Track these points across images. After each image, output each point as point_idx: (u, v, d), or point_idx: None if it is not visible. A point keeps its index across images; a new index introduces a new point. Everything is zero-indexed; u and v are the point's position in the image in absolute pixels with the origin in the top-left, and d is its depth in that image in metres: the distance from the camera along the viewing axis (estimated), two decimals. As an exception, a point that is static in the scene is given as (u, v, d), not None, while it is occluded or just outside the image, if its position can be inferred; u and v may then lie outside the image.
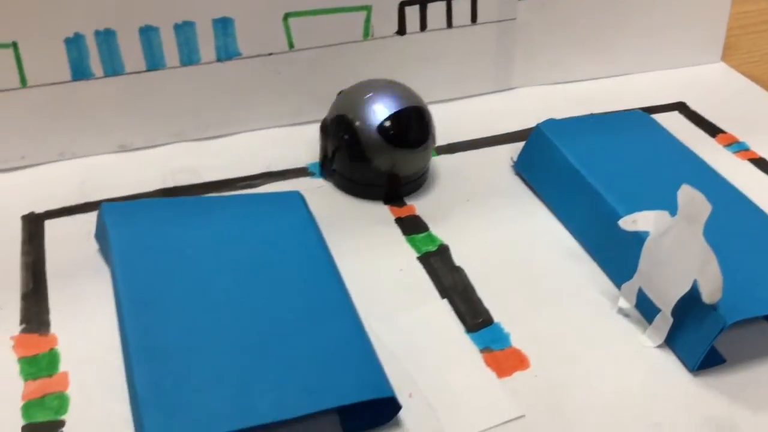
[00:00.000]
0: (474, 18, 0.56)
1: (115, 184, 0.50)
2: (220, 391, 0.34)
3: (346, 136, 0.48)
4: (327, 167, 0.50)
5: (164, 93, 0.52)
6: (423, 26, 0.55)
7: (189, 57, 0.51)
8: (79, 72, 0.49)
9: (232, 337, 0.37)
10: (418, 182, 0.50)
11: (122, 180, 0.50)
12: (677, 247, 0.38)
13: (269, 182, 0.51)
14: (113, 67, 0.50)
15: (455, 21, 0.56)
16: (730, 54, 0.67)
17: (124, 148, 0.53)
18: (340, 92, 0.50)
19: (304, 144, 0.54)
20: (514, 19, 0.57)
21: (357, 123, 0.47)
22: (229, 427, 0.33)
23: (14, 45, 0.47)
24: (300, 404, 0.34)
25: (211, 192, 0.50)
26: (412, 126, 0.48)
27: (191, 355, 0.35)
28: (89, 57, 0.49)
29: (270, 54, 0.53)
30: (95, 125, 0.51)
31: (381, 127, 0.47)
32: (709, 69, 0.65)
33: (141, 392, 0.33)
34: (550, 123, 0.51)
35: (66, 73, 0.49)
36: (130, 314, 0.37)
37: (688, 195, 0.37)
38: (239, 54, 0.52)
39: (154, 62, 0.50)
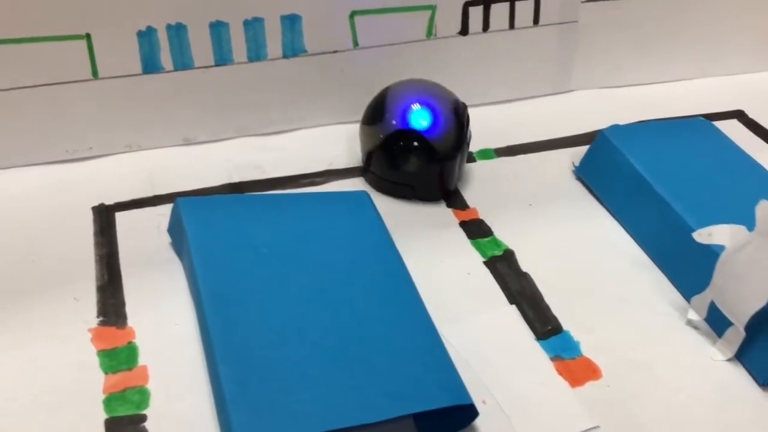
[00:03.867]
0: (536, 20, 0.56)
1: (182, 177, 0.51)
2: (303, 391, 0.35)
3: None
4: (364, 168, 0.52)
5: (230, 88, 0.52)
6: (486, 27, 0.55)
7: (256, 53, 0.51)
8: (150, 65, 0.50)
9: (311, 337, 0.37)
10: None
11: (188, 173, 0.51)
12: (754, 263, 0.38)
13: (332, 180, 0.51)
14: (183, 62, 0.50)
15: (518, 22, 0.56)
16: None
17: (188, 142, 0.53)
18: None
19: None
20: (576, 21, 0.57)
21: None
22: (314, 429, 0.33)
23: (88, 37, 0.48)
24: (382, 409, 0.34)
25: (276, 188, 0.50)
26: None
27: (274, 353, 0.36)
28: (160, 51, 0.49)
29: (335, 51, 0.53)
30: (161, 118, 0.52)
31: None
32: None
33: (227, 391, 0.34)
34: (615, 129, 0.51)
35: (137, 66, 0.49)
36: (211, 311, 0.38)
37: (766, 211, 0.37)
38: (305, 51, 0.52)
39: (223, 57, 0.51)
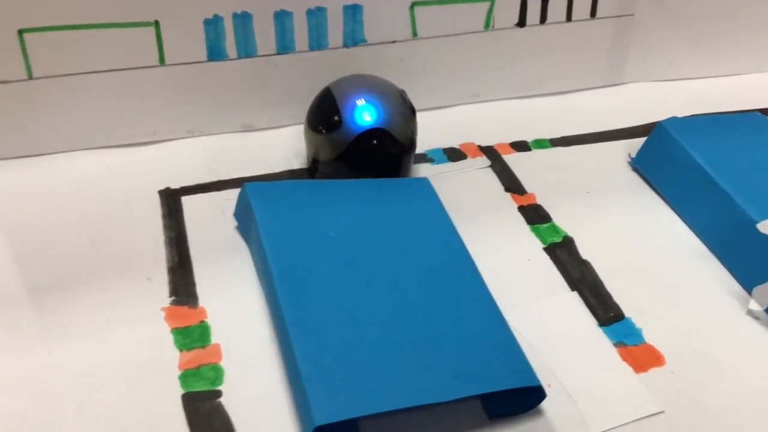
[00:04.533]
0: (593, 13, 0.57)
1: (243, 162, 0.52)
2: (375, 370, 0.35)
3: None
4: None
5: (291, 76, 0.53)
6: (543, 19, 0.56)
7: (318, 42, 0.52)
8: (215, 52, 0.51)
9: (380, 318, 0.38)
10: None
11: (248, 158, 0.52)
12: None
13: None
14: (246, 49, 0.51)
15: (575, 15, 0.56)
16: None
17: (248, 128, 0.54)
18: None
19: (422, 130, 0.55)
20: (632, 15, 0.57)
21: None
22: (388, 407, 0.34)
23: (156, 24, 0.49)
24: (451, 389, 0.35)
25: (336, 175, 0.51)
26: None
27: (345, 334, 0.37)
28: (225, 39, 0.50)
29: (394, 42, 0.54)
30: (223, 104, 0.53)
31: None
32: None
33: (303, 369, 0.35)
34: (673, 121, 0.51)
35: (202, 53, 0.50)
36: (283, 293, 0.39)
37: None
38: (365, 41, 0.53)
39: (285, 46, 0.52)
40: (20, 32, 0.46)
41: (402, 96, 0.49)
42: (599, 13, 0.57)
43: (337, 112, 0.47)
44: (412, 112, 0.49)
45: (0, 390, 0.36)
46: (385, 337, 0.37)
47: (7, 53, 0.47)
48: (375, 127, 0.47)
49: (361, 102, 0.47)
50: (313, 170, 0.49)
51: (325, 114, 0.48)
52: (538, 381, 0.36)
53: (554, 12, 0.56)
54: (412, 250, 0.42)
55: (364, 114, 0.47)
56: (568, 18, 0.56)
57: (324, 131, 0.47)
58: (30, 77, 0.48)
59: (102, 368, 0.38)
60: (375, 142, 0.47)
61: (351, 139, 0.46)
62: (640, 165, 0.52)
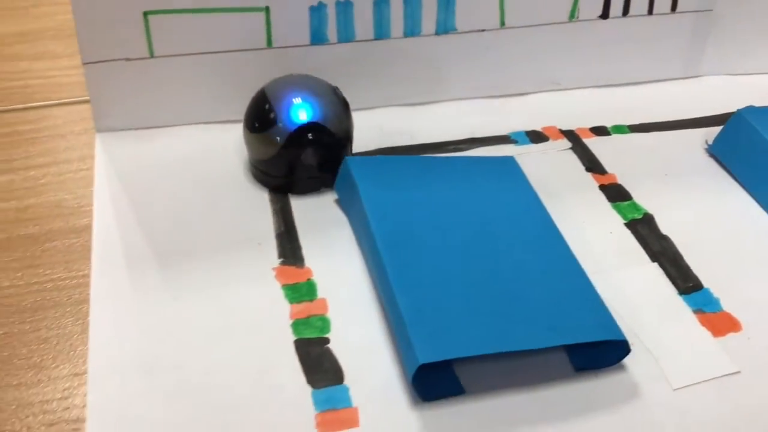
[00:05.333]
0: (674, 7, 0.59)
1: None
2: (472, 319, 0.39)
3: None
4: None
5: (385, 61, 0.57)
6: (625, 11, 0.58)
7: (412, 29, 0.56)
8: (317, 37, 0.54)
9: (475, 278, 0.41)
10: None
11: (344, 137, 0.56)
12: None
13: (475, 147, 0.55)
14: (346, 35, 0.55)
15: (656, 9, 0.59)
16: None
17: (342, 109, 0.58)
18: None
19: (506, 114, 0.58)
20: (711, 10, 0.60)
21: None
22: (485, 350, 0.38)
23: (266, 10, 0.53)
24: (544, 338, 0.38)
25: (425, 153, 0.55)
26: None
27: (443, 289, 0.40)
28: (327, 24, 0.54)
29: (482, 30, 0.57)
30: (320, 86, 0.57)
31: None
32: None
33: (406, 317, 0.38)
34: (751, 109, 0.53)
35: (306, 38, 0.54)
36: (386, 252, 0.42)
37: None
38: (455, 29, 0.57)
39: (381, 32, 0.55)
40: (145, 14, 0.51)
41: (335, 93, 0.50)
42: (679, 7, 0.59)
43: (272, 110, 0.48)
44: (346, 107, 0.50)
45: (132, 333, 0.41)
46: (480, 292, 0.40)
47: (133, 33, 0.51)
48: (311, 122, 0.48)
49: (297, 100, 0.48)
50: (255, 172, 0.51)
51: (260, 113, 0.49)
52: (623, 335, 0.39)
53: (637, 5, 0.58)
54: (502, 218, 0.45)
55: (299, 112, 0.48)
56: (650, 11, 0.59)
57: (259, 130, 0.49)
58: (151, 55, 0.52)
59: (222, 319, 0.42)
60: (311, 136, 0.48)
61: (287, 134, 0.48)
62: (717, 151, 0.54)
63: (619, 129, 0.57)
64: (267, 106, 0.49)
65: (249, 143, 0.50)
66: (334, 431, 0.37)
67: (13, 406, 0.38)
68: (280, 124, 0.48)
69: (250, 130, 0.50)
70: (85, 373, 0.39)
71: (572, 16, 0.58)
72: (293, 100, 0.48)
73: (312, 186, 0.50)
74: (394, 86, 0.58)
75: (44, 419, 0.37)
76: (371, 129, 0.57)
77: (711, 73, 0.63)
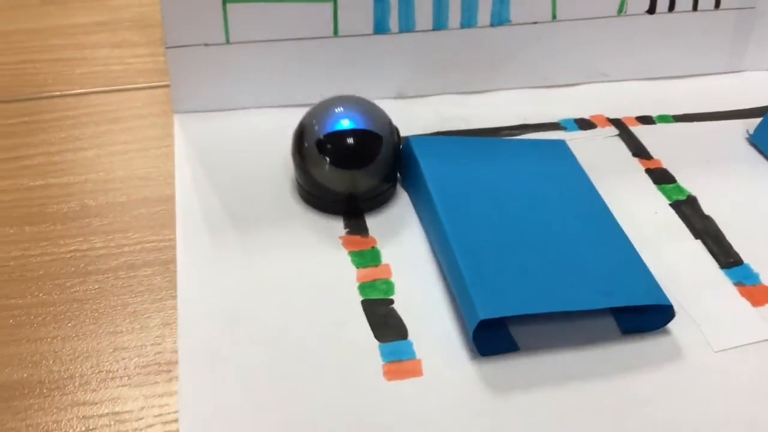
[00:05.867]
0: (717, 4, 0.62)
1: (398, 123, 0.59)
2: (529, 282, 0.42)
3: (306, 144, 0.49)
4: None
5: (441, 50, 0.60)
6: (671, 7, 0.61)
7: (468, 20, 0.59)
8: (380, 27, 0.58)
9: (530, 245, 0.45)
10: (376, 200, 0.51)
11: (402, 122, 0.59)
12: None
13: (526, 132, 0.59)
14: (407, 25, 0.59)
15: (700, 5, 0.62)
16: None
17: (400, 96, 0.62)
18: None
19: (555, 103, 0.61)
20: (754, 8, 0.62)
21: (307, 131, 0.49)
22: (540, 309, 0.41)
23: (334, 1, 0.57)
24: (595, 300, 0.42)
25: (480, 136, 0.58)
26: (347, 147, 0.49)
27: (501, 254, 0.44)
28: (390, 15, 0.58)
29: (534, 23, 0.60)
30: (379, 74, 0.60)
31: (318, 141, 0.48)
32: None
33: (467, 277, 0.42)
34: (791, 100, 0.56)
35: (369, 27, 0.58)
36: (447, 219, 0.46)
37: None
38: (509, 21, 0.60)
39: (440, 23, 0.59)
40: (224, 2, 0.55)
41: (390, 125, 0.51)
42: (723, 5, 0.62)
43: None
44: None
45: (214, 290, 0.45)
46: (535, 258, 0.44)
47: (211, 20, 0.56)
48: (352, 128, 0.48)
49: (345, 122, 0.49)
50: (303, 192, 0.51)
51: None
52: (668, 300, 0.42)
53: (682, 1, 0.61)
54: (555, 193, 0.49)
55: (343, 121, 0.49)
56: (695, 8, 0.62)
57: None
58: (227, 42, 0.57)
59: (294, 281, 0.46)
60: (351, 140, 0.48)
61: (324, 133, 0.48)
62: (757, 140, 0.57)
63: (664, 119, 0.60)
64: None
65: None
66: (400, 379, 0.41)
67: (111, 350, 0.42)
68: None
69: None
70: (174, 322, 0.43)
71: (620, 10, 0.61)
72: (342, 121, 0.49)
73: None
74: (450, 75, 0.61)
75: (139, 362, 0.41)
76: (429, 114, 0.60)
77: (753, 69, 0.66)
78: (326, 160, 0.48)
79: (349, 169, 0.49)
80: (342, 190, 0.49)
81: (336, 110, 0.49)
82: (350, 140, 0.49)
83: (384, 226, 0.50)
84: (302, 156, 0.49)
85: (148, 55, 0.66)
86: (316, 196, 0.50)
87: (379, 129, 0.49)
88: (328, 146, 0.48)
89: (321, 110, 0.50)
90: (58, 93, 0.62)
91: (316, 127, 0.49)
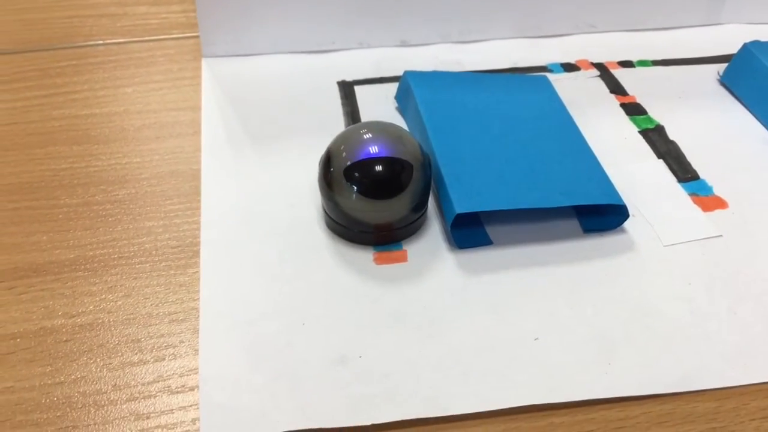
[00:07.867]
0: (696, -41, 0.68)
1: (401, 68, 0.65)
2: (501, 184, 0.48)
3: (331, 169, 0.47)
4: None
5: (442, 1, 0.67)
6: (652, -37, 0.67)
7: (466, -26, 0.66)
8: (386, -20, 0.65)
9: (506, 155, 0.51)
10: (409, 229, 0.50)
11: (405, 66, 0.66)
12: None
13: (516, 74, 0.65)
14: (409, -22, 0.65)
15: (680, -40, 0.68)
16: None
17: (404, 44, 0.68)
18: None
19: (545, 51, 0.67)
20: (731, -39, 0.68)
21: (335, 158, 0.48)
22: (510, 206, 0.47)
23: (344, -45, 0.64)
24: (559, 199, 0.48)
25: (474, 79, 0.65)
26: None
27: (479, 163, 0.50)
28: (394, -31, 0.65)
29: (526, -22, 0.67)
30: (386, 23, 0.67)
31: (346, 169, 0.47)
32: None
33: (447, 180, 0.48)
34: (756, 43, 0.62)
35: (377, -19, 0.65)
36: (433, 135, 0.52)
37: None
38: (503, -24, 0.67)
39: (440, -24, 0.66)
40: (248, -44, 0.63)
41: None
42: (701, -41, 0.68)
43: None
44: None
45: (232, 196, 0.52)
46: (509, 165, 0.50)
47: (235, -27, 0.63)
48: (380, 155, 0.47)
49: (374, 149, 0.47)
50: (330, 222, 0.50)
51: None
52: (622, 201, 0.48)
53: (662, -43, 0.67)
54: (532, 116, 0.55)
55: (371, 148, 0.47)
56: (674, -37, 0.68)
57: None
58: (249, -8, 0.64)
59: (308, 186, 0.53)
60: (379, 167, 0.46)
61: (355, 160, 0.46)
62: (726, 80, 0.63)
63: (643, 63, 0.66)
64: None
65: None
66: (388, 263, 0.47)
67: (143, 234, 0.49)
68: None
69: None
70: (198, 216, 0.50)
71: (605, -34, 0.67)
72: (370, 150, 0.47)
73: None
74: (445, 25, 0.68)
75: (169, 243, 0.49)
76: (428, 59, 0.67)
77: (731, 22, 0.71)
78: (354, 188, 0.47)
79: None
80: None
81: (365, 137, 0.48)
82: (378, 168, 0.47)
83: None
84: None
85: (181, 12, 0.74)
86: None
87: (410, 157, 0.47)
88: (356, 174, 0.47)
89: (350, 137, 0.49)
90: (101, 42, 0.70)
91: (344, 154, 0.47)
